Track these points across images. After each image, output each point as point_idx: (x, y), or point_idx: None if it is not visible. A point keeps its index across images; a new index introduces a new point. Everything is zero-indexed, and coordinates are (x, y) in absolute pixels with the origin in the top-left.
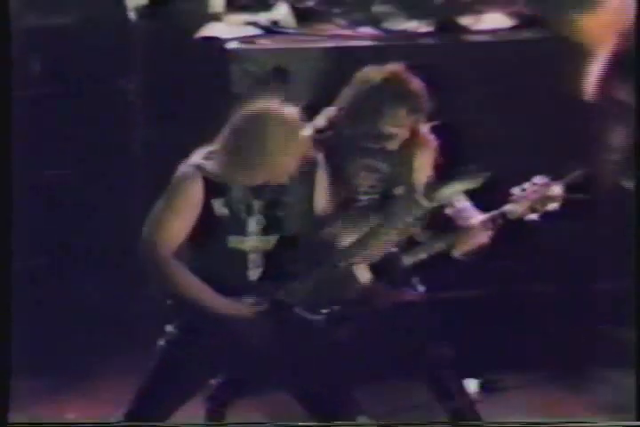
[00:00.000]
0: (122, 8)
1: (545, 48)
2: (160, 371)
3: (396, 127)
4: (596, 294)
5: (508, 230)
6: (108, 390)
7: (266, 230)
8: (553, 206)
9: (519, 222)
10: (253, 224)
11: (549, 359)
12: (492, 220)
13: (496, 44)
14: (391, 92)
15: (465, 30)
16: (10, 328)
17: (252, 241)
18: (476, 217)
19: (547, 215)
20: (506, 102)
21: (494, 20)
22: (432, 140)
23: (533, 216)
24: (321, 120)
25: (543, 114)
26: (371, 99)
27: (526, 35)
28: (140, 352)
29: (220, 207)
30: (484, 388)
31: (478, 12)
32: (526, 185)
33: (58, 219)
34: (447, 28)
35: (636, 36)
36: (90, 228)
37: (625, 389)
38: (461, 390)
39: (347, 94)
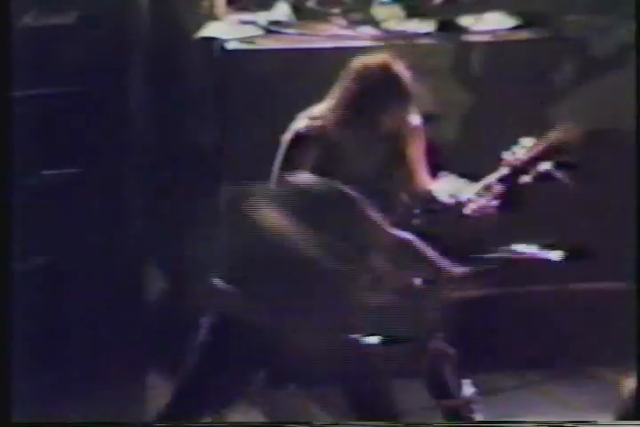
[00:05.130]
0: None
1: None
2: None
3: (388, 116)
4: (598, 293)
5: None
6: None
7: None
8: (544, 166)
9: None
10: None
11: (550, 359)
12: (489, 187)
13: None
14: (382, 81)
15: (464, 30)
16: (10, 328)
17: None
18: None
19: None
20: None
21: (494, 21)
22: (422, 131)
23: (527, 178)
24: (317, 110)
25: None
26: (364, 88)
27: (526, 35)
28: (141, 352)
29: None
30: (480, 388)
31: (478, 12)
32: (515, 148)
33: (57, 219)
34: (447, 28)
35: (636, 36)
36: (89, 227)
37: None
38: (459, 389)
39: (341, 85)
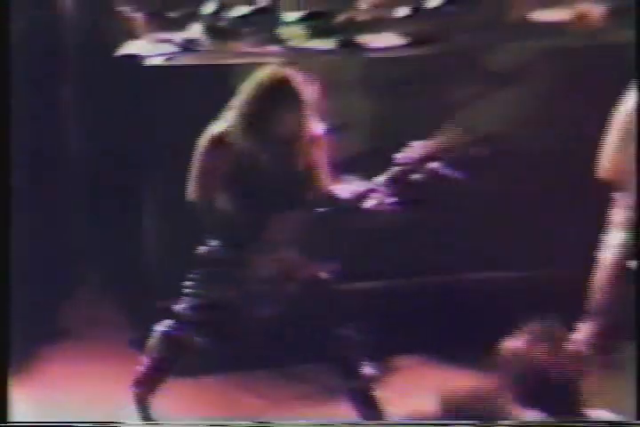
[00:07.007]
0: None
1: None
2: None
3: (287, 126)
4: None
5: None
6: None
7: None
8: (435, 165)
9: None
10: None
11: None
12: (382, 183)
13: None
14: (279, 92)
15: (362, 47)
16: (9, 326)
17: None
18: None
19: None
20: None
21: (389, 39)
22: (324, 138)
23: (417, 176)
24: (228, 118)
25: None
26: (261, 99)
27: (416, 51)
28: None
29: None
30: (380, 368)
31: (376, 31)
32: (406, 149)
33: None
34: (347, 45)
35: (636, 36)
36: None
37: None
38: (363, 370)
39: (241, 96)
